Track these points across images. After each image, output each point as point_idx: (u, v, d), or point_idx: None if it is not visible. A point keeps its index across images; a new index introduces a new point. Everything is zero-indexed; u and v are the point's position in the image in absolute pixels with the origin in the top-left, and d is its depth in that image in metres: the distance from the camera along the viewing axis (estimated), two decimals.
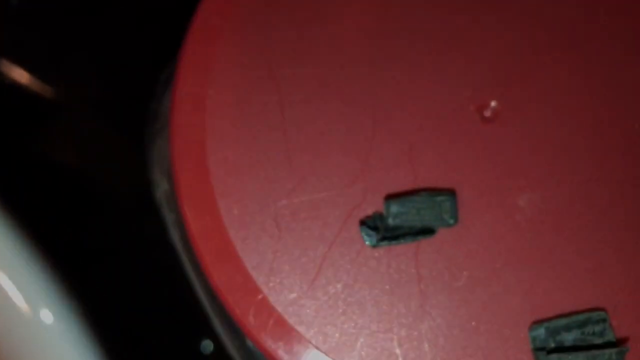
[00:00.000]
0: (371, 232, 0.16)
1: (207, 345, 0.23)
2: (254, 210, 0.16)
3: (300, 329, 0.15)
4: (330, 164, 0.16)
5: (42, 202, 0.23)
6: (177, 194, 0.16)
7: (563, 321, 0.15)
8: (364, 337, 0.15)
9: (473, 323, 0.15)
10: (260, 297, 0.15)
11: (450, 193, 0.16)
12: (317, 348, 0.15)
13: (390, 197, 0.16)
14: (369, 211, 0.16)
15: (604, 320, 0.15)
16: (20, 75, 0.26)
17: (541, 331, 0.15)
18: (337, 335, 0.15)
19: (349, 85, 0.17)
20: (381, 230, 0.16)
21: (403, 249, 0.16)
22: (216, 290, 0.16)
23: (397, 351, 0.15)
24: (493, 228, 0.16)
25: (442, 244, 0.16)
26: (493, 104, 0.17)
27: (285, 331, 0.15)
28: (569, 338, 0.15)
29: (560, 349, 0.15)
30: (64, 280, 0.18)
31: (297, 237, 0.16)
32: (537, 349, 0.15)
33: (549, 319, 0.15)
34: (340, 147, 0.16)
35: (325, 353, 0.15)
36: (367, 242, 0.16)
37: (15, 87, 0.26)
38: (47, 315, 0.18)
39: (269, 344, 0.15)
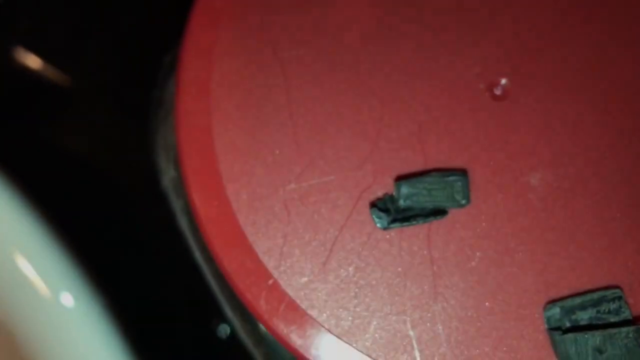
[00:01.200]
0: (382, 215, 0.15)
1: (224, 329, 0.23)
2: (262, 194, 0.16)
3: (312, 312, 0.15)
4: (339, 146, 0.16)
5: (60, 188, 0.23)
6: (184, 181, 0.16)
7: (578, 300, 0.15)
8: (376, 319, 0.15)
9: (487, 304, 0.15)
10: (271, 281, 0.15)
11: (462, 173, 0.16)
12: (330, 331, 0.15)
13: (400, 179, 0.16)
14: (380, 193, 0.16)
15: (619, 298, 0.15)
16: (33, 62, 0.26)
17: (556, 311, 0.15)
18: (349, 318, 0.15)
19: (355, 66, 0.16)
20: (392, 212, 0.15)
21: (415, 231, 0.15)
22: (227, 276, 0.16)
23: (411, 333, 0.15)
24: (506, 207, 0.16)
25: (455, 224, 0.16)
26: (503, 81, 0.16)
27: (297, 315, 0.15)
28: (584, 317, 0.15)
29: (576, 328, 0.15)
30: (83, 264, 0.18)
31: (307, 221, 0.16)
32: (552, 329, 0.15)
33: (563, 298, 0.15)
34: (348, 129, 0.16)
35: (338, 336, 0.15)
36: (378, 225, 0.15)
37: (28, 75, 0.26)
38: (67, 299, 0.18)
39: (281, 328, 0.15)
